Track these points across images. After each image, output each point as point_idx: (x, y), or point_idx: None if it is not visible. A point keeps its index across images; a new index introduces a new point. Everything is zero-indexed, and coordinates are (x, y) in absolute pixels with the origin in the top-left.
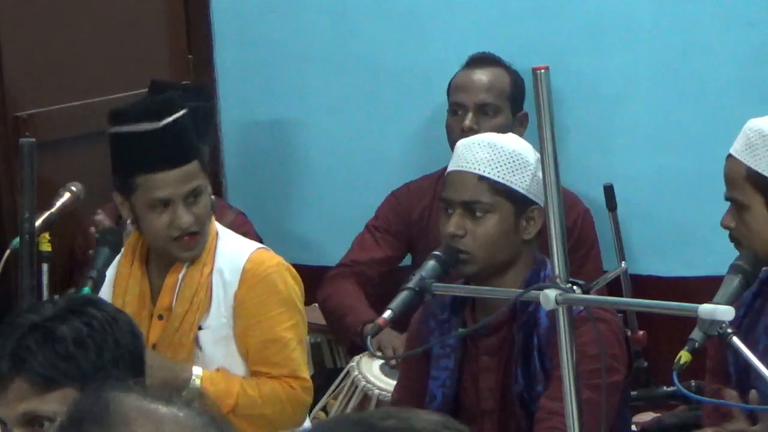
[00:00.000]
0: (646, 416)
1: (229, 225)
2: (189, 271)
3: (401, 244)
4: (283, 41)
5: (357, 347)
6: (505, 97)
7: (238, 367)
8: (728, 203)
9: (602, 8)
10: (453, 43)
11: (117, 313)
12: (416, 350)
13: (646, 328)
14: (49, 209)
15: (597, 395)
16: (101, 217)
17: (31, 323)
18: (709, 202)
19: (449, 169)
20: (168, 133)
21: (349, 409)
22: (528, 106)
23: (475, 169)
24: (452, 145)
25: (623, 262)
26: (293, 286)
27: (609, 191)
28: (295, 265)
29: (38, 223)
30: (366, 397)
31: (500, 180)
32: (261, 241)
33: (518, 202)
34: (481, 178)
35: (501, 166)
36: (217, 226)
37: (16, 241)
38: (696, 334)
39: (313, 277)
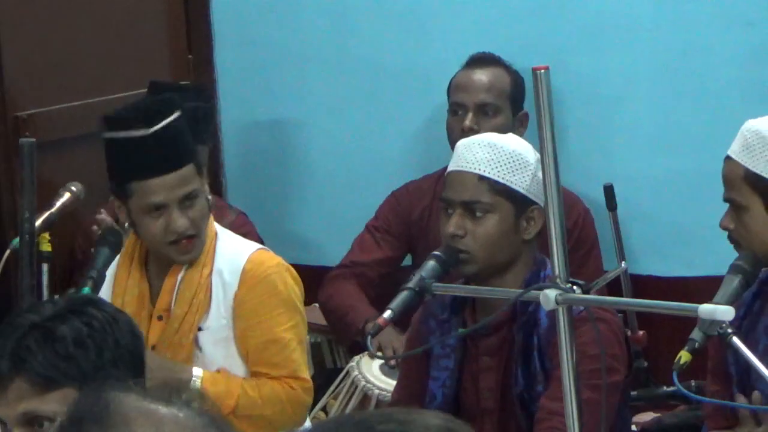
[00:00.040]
0: (646, 416)
1: (230, 225)
2: (188, 273)
3: (401, 245)
4: (283, 41)
5: (358, 347)
6: (505, 97)
7: (238, 368)
8: (728, 204)
9: (602, 8)
10: (453, 43)
11: (117, 313)
12: (416, 350)
13: (646, 328)
14: (49, 209)
15: (597, 395)
16: (104, 216)
17: (31, 323)
18: (709, 202)
19: (449, 169)
20: (160, 139)
21: (349, 409)
22: (528, 106)
23: (475, 169)
24: (452, 144)
25: (623, 262)
26: (293, 287)
27: (609, 191)
28: (295, 266)
29: (38, 223)
30: (366, 397)
31: (500, 180)
32: (261, 242)
33: (518, 202)
34: (481, 178)
35: (501, 166)
36: (216, 226)
37: (16, 241)
38: (696, 334)
39: (313, 277)
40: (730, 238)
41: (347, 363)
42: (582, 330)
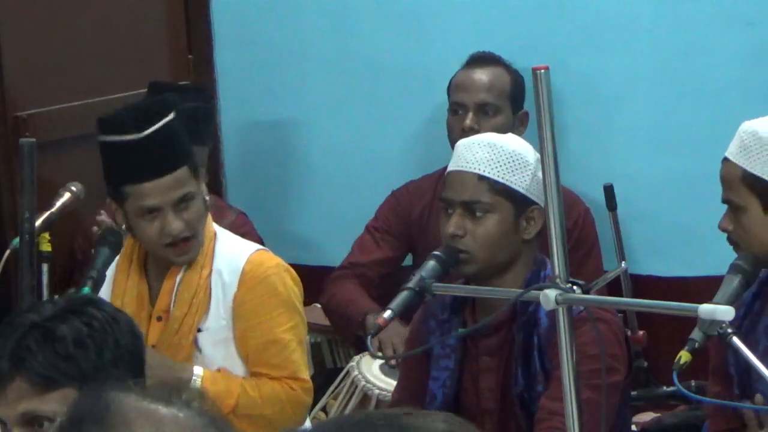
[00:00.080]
0: (646, 416)
1: (230, 225)
2: (187, 273)
3: (402, 245)
4: (283, 41)
5: (362, 342)
6: (505, 96)
7: (237, 369)
8: (726, 205)
9: (602, 8)
10: (453, 43)
11: (117, 313)
12: (416, 350)
13: (646, 328)
14: (49, 209)
15: (597, 395)
16: (104, 217)
17: (31, 323)
18: (709, 202)
19: (449, 169)
20: (153, 142)
21: (349, 409)
22: (528, 105)
23: (474, 168)
24: (453, 144)
25: (623, 262)
26: (292, 287)
27: (609, 191)
28: (294, 266)
29: (38, 223)
30: (366, 397)
31: (500, 180)
32: (261, 242)
33: (518, 202)
34: (481, 178)
35: (501, 165)
36: (215, 227)
37: (16, 241)
38: (696, 334)
39: (313, 278)
40: (729, 240)
41: (347, 363)
42: (582, 330)
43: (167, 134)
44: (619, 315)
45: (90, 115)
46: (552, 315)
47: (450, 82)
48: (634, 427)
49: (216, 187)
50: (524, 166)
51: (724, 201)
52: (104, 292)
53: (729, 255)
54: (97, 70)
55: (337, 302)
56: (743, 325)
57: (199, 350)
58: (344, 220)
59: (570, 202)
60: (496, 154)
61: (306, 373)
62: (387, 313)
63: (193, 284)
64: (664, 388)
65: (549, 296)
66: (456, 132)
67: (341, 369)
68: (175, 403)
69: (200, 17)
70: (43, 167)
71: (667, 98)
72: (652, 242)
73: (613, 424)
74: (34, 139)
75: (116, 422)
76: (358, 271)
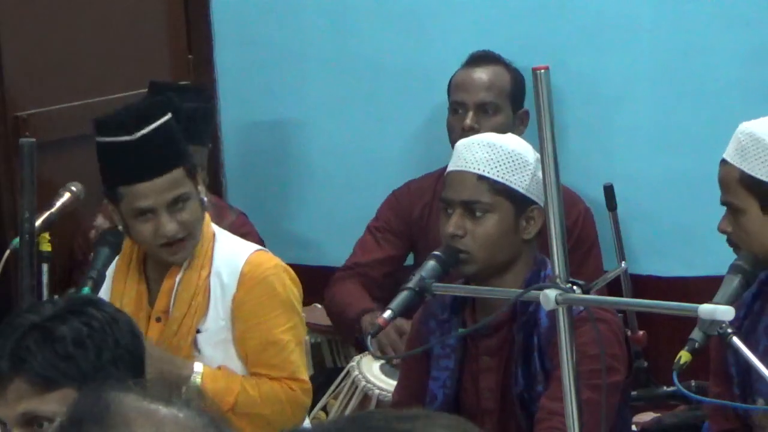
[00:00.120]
0: (646, 416)
1: (230, 226)
2: (186, 274)
3: (403, 243)
4: (283, 41)
5: (363, 344)
6: (505, 95)
7: (237, 370)
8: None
9: (602, 8)
10: (453, 43)
11: (117, 314)
12: (416, 350)
13: (646, 328)
14: (49, 209)
15: (597, 395)
16: (101, 222)
17: (30, 323)
18: (709, 202)
19: (449, 169)
20: (147, 143)
21: (349, 409)
22: (528, 105)
23: (474, 168)
24: (453, 143)
25: (623, 262)
26: (291, 288)
27: (609, 191)
28: (294, 266)
29: (38, 223)
30: (366, 397)
31: (500, 180)
32: (262, 242)
33: (518, 201)
34: (481, 178)
35: (500, 165)
36: (214, 228)
37: (16, 241)
38: (696, 334)
39: (313, 278)
40: (729, 241)
41: (347, 363)
42: (582, 330)
43: (162, 135)
44: (619, 315)
45: (90, 115)
46: (552, 315)
47: (450, 82)
48: (634, 427)
49: (216, 187)
50: (524, 166)
51: (723, 203)
52: (103, 293)
53: (729, 255)
54: (97, 70)
55: (335, 304)
56: (743, 326)
57: (198, 351)
58: (344, 220)
59: (570, 201)
60: (495, 153)
61: (305, 374)
62: (387, 313)
63: (192, 285)
64: (664, 388)
65: (549, 296)
66: (456, 131)
67: (341, 369)
68: (175, 403)
69: (200, 17)
70: (43, 167)
71: (667, 98)
72: (652, 242)
73: (613, 424)
74: (34, 139)
75: (116, 422)
76: (360, 271)
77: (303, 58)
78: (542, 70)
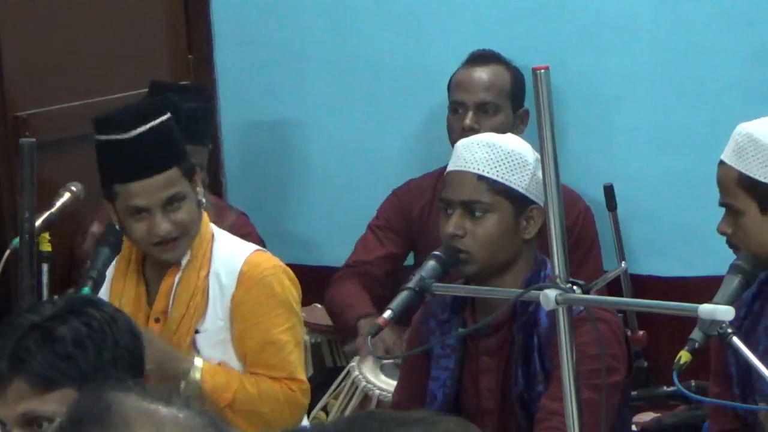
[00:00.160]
0: (646, 416)
1: (230, 226)
2: (185, 275)
3: (404, 242)
4: (283, 41)
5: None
6: (505, 95)
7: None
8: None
9: (602, 8)
10: (453, 42)
11: (116, 314)
12: (416, 350)
13: (646, 328)
14: (49, 209)
15: (597, 395)
16: (95, 230)
17: (30, 323)
18: (709, 202)
19: (448, 169)
20: (143, 142)
21: (349, 410)
22: (528, 105)
23: (474, 168)
24: (453, 143)
25: (623, 262)
26: (290, 288)
27: (609, 191)
28: (294, 266)
29: (38, 223)
30: (366, 398)
31: (499, 179)
32: (262, 242)
33: (518, 201)
34: (480, 178)
35: (500, 165)
36: (213, 228)
37: (16, 241)
38: (696, 334)
39: (312, 278)
40: (729, 243)
41: (347, 363)
42: (582, 330)
43: (158, 135)
44: (619, 315)
45: (90, 115)
46: (552, 315)
47: (450, 81)
48: (634, 427)
49: (216, 187)
50: (523, 166)
51: (722, 204)
52: (102, 294)
53: (729, 255)
54: (97, 70)
55: (335, 305)
56: (743, 326)
57: (197, 352)
58: (344, 220)
59: (570, 200)
60: (495, 153)
61: (303, 375)
62: (387, 313)
63: (190, 286)
64: (664, 388)
65: (549, 296)
66: (456, 131)
67: (341, 369)
68: (175, 403)
69: (200, 17)
70: (43, 167)
71: (667, 98)
72: (652, 242)
73: (613, 424)
74: (34, 139)
75: (116, 422)
76: (362, 270)
77: (303, 58)
78: (542, 70)
